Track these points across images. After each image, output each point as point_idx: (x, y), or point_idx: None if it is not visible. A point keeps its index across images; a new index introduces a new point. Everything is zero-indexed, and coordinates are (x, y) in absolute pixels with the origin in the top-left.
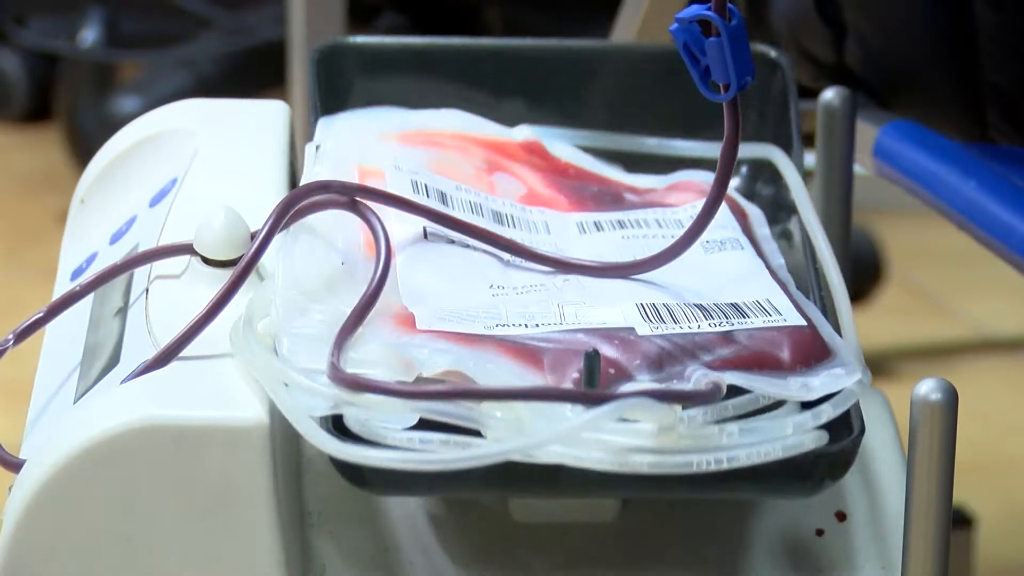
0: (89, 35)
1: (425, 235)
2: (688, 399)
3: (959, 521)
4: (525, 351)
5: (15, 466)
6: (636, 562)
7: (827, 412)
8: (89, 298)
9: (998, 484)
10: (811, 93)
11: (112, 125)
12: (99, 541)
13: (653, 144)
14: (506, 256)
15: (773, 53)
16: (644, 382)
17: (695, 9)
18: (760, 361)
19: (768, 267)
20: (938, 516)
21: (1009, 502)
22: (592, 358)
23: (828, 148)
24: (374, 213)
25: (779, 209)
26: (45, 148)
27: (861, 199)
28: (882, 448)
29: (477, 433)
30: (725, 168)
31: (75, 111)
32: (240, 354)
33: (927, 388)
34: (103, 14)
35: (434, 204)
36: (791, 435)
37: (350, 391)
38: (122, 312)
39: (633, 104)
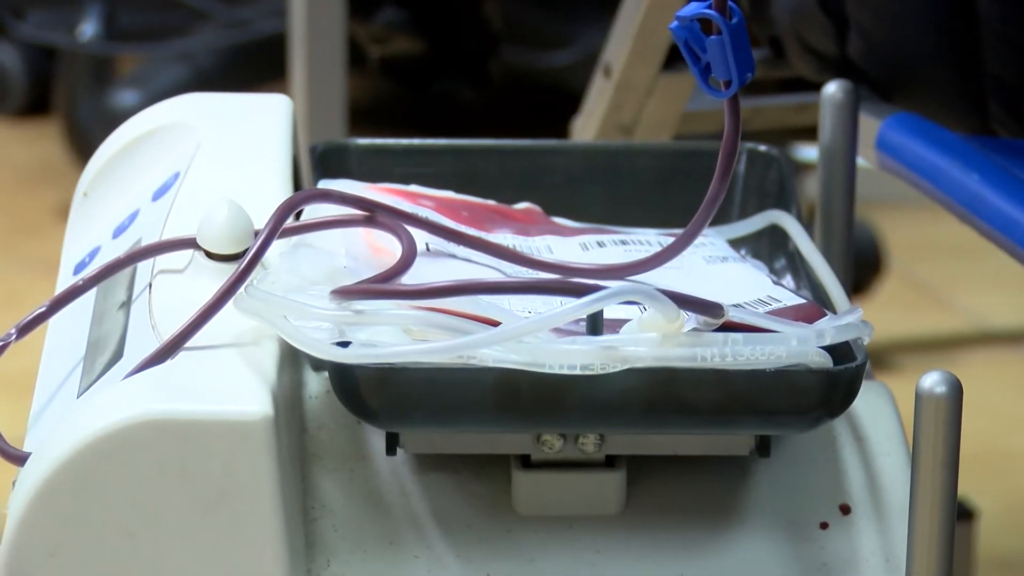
0: (87, 28)
1: (428, 249)
2: (693, 305)
3: (960, 514)
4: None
5: (19, 459)
6: (640, 555)
7: (830, 333)
8: (92, 292)
9: (998, 477)
10: (814, 86)
11: (110, 118)
12: (103, 535)
13: (652, 235)
14: (509, 269)
15: (763, 148)
16: None
17: (696, 7)
18: (763, 324)
19: (769, 275)
20: (943, 509)
21: (1009, 495)
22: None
23: (830, 141)
24: (397, 222)
25: (783, 273)
26: (43, 141)
27: (860, 192)
28: (886, 440)
29: None
30: (726, 164)
31: (73, 104)
32: (242, 305)
33: (932, 381)
34: (101, 7)
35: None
36: (795, 346)
37: (352, 299)
38: (125, 306)
39: (630, 200)
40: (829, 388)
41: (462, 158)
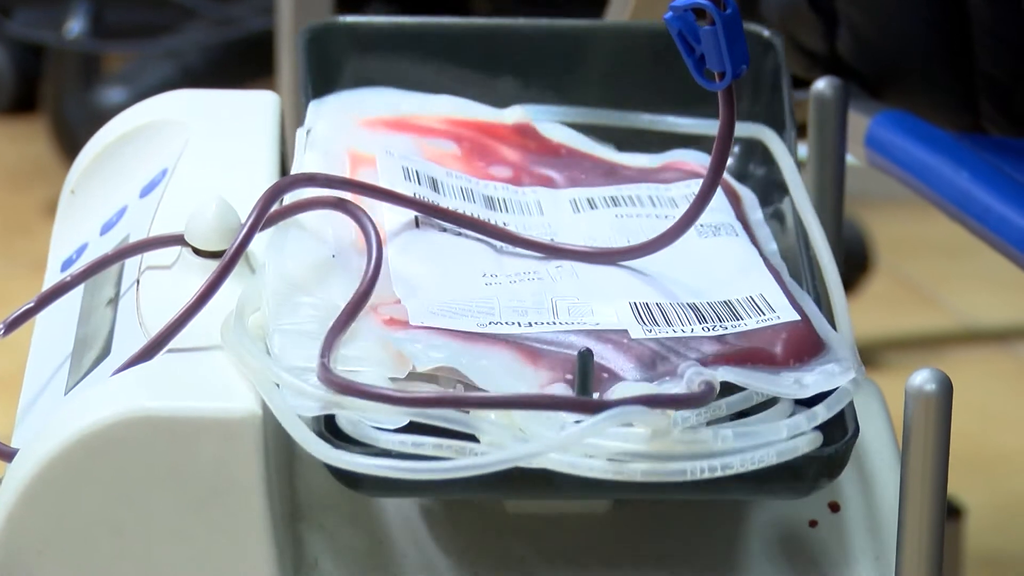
0: (75, 26)
1: (417, 223)
2: (681, 403)
3: (948, 512)
4: (519, 347)
5: (7, 456)
6: (629, 553)
7: (821, 414)
8: (80, 289)
9: (985, 475)
10: (803, 83)
11: (98, 116)
12: (91, 532)
13: (646, 120)
14: (499, 243)
15: (766, 33)
16: (636, 382)
17: None
18: (753, 356)
19: (762, 255)
20: (932, 507)
21: (996, 493)
22: (585, 357)
23: (820, 138)
24: (364, 213)
25: (771, 190)
26: (31, 139)
27: (848, 189)
28: (875, 439)
29: (470, 436)
30: (720, 156)
31: (61, 102)
32: (231, 350)
33: (921, 379)
34: (89, 5)
35: (425, 191)
36: (785, 438)
37: (340, 394)
38: (113, 303)
39: (625, 82)
40: (822, 465)
41: (456, 38)
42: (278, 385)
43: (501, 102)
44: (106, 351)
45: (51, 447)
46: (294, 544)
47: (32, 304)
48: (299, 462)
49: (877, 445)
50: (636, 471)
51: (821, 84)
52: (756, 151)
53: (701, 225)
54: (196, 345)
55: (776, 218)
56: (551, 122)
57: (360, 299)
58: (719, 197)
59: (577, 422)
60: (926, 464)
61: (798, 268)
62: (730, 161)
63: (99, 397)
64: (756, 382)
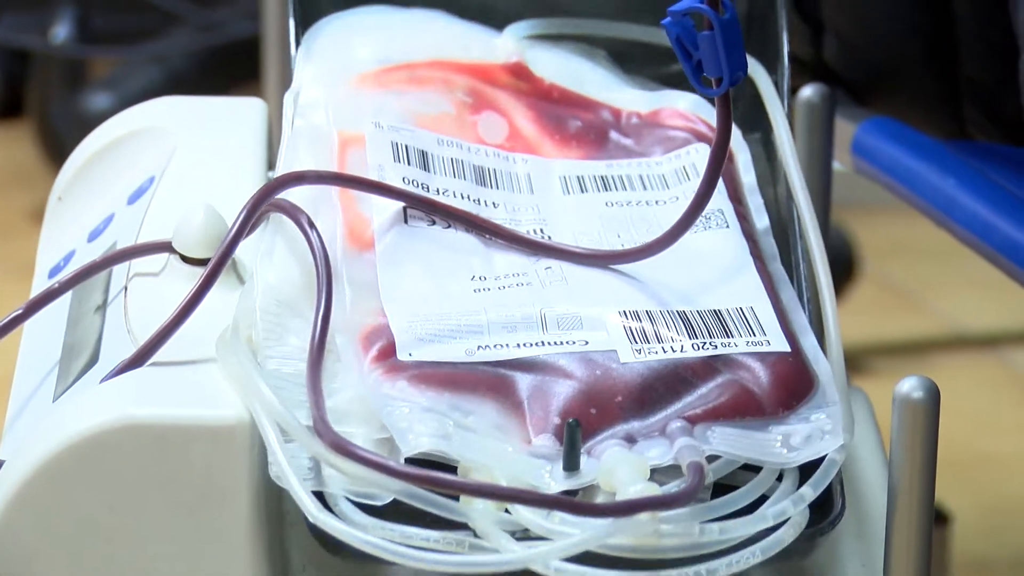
0: (61, 31)
1: (406, 218)
2: (672, 504)
3: (936, 518)
4: (507, 396)
5: None
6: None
7: (808, 495)
8: (67, 296)
9: (972, 481)
10: (790, 90)
11: (84, 121)
12: (80, 539)
13: (640, 32)
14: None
15: None
16: (624, 449)
17: (688, 2)
18: (742, 407)
19: (751, 249)
20: (920, 514)
21: (983, 498)
22: (573, 429)
23: (807, 145)
24: (305, 226)
25: (762, 114)
26: (16, 144)
27: (834, 195)
28: (863, 446)
29: (463, 526)
30: (715, 162)
31: (47, 107)
32: (229, 372)
33: (909, 386)
34: (75, 10)
35: (415, 172)
36: (771, 524)
37: (334, 453)
38: (101, 310)
39: None
40: (805, 549)
41: None
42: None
43: (495, 17)
44: (94, 358)
45: (40, 454)
46: (282, 550)
47: (20, 311)
48: None
49: (864, 452)
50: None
51: (808, 91)
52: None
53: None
54: (184, 352)
55: (763, 144)
56: (545, 51)
57: (317, 350)
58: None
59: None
60: (913, 471)
61: (785, 246)
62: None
63: (88, 404)
64: (745, 451)
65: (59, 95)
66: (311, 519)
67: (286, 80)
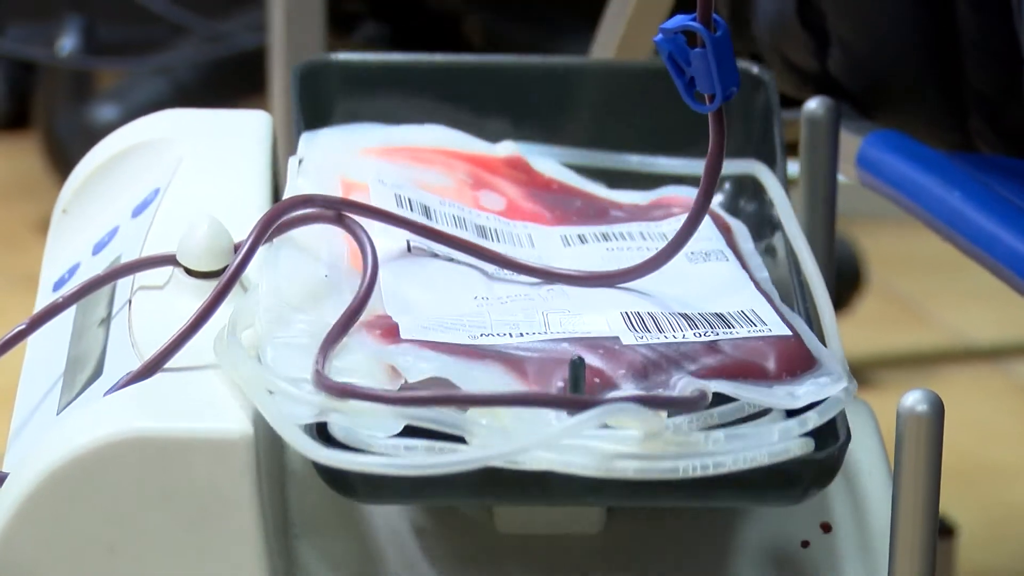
0: (67, 43)
1: (409, 249)
2: (673, 405)
3: (940, 530)
4: (510, 359)
5: None
6: (621, 574)
7: (813, 419)
8: (72, 309)
9: (977, 492)
10: (795, 103)
11: (90, 133)
12: (84, 554)
13: (636, 161)
14: (490, 269)
15: (755, 69)
16: (629, 390)
17: (680, 20)
18: (745, 370)
19: (752, 279)
20: (925, 527)
21: (989, 509)
22: (577, 366)
23: (812, 158)
24: (359, 225)
25: (763, 224)
26: (22, 156)
27: (839, 207)
28: (867, 458)
29: (463, 440)
30: (710, 178)
31: (53, 119)
32: (224, 362)
33: (913, 399)
34: (81, 22)
35: (418, 218)
36: (777, 441)
37: (335, 398)
38: (105, 323)
39: (615, 121)
40: (813, 471)
41: (449, 76)
42: (271, 394)
43: (492, 139)
44: (98, 371)
45: (43, 467)
46: (287, 563)
47: (24, 326)
48: (292, 480)
49: (868, 465)
50: (627, 469)
51: (813, 104)
52: (747, 187)
53: (691, 252)
54: (188, 366)
55: (768, 252)
56: (542, 157)
57: (355, 310)
58: (710, 227)
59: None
60: (918, 485)
61: (789, 295)
62: (721, 197)
63: (91, 417)
64: (748, 393)
65: (65, 107)
66: (307, 454)
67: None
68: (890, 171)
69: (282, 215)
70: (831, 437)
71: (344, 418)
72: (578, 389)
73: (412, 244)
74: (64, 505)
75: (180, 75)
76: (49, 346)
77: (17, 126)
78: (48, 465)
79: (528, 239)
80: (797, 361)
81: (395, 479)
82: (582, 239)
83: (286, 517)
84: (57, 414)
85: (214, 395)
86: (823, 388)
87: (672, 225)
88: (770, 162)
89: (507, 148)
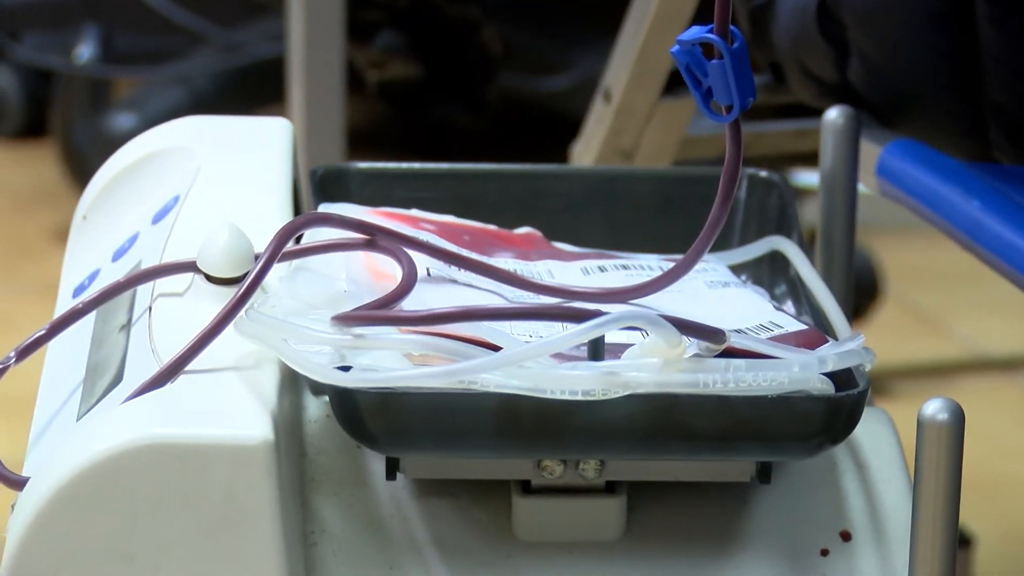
0: (84, 51)
1: (428, 274)
2: (695, 330)
3: (959, 541)
4: None
5: (18, 484)
6: None
7: (832, 360)
8: (92, 315)
9: (994, 504)
10: (814, 112)
11: (107, 141)
12: (102, 559)
13: (654, 260)
14: (510, 293)
15: (763, 174)
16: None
17: (697, 31)
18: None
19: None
20: (944, 536)
21: (1004, 522)
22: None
23: (831, 167)
24: (398, 245)
25: (783, 301)
26: (40, 164)
27: (858, 217)
28: (886, 467)
29: None
30: (727, 189)
31: (70, 127)
32: (243, 326)
33: (934, 408)
34: (99, 30)
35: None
36: (798, 372)
37: (353, 325)
38: (125, 329)
39: (631, 225)
40: (831, 414)
41: (462, 182)
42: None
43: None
44: (118, 378)
45: (63, 473)
46: (306, 570)
47: (44, 331)
48: (310, 487)
49: (888, 474)
50: (648, 382)
51: (833, 113)
52: (764, 267)
53: (711, 281)
54: (208, 372)
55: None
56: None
57: (402, 292)
58: (727, 271)
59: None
60: (938, 493)
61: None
62: (741, 277)
63: (111, 424)
64: (769, 350)
65: (83, 115)
66: (326, 379)
67: (310, 99)
68: (909, 181)
69: (301, 228)
70: (850, 387)
71: (364, 356)
72: (598, 346)
73: (431, 270)
74: (83, 511)
75: (198, 84)
76: (69, 352)
77: (34, 135)
78: (67, 471)
79: (548, 273)
80: (814, 343)
81: (416, 426)
82: (602, 269)
83: (305, 524)
84: (77, 420)
85: (234, 401)
86: (839, 346)
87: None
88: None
89: (521, 229)
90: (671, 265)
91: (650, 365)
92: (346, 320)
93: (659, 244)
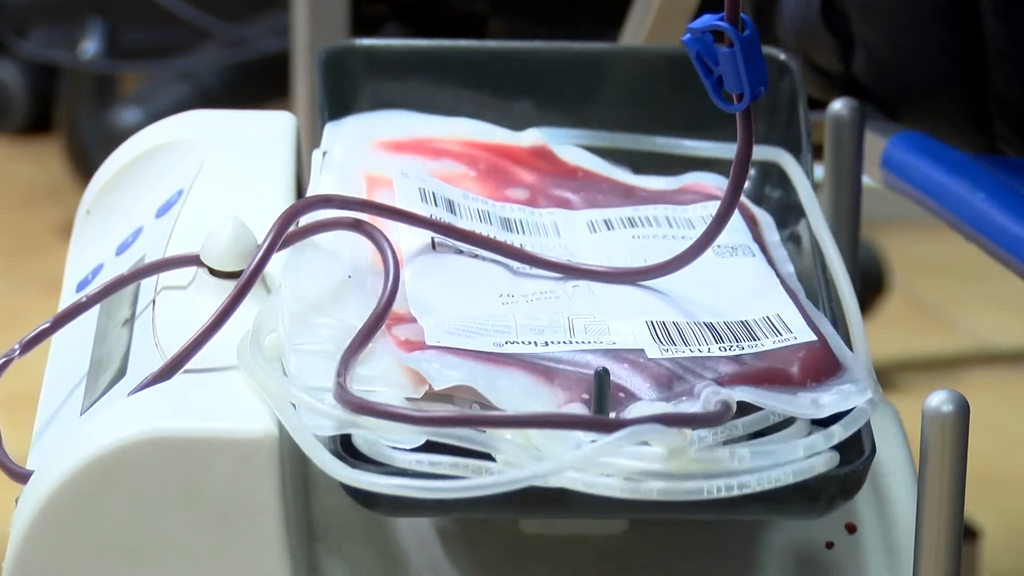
0: (90, 46)
1: (433, 245)
2: (698, 422)
3: (964, 534)
4: (536, 367)
5: (22, 477)
6: (645, 574)
7: (838, 433)
8: (95, 309)
9: (1000, 497)
10: (819, 104)
11: (112, 136)
12: (106, 554)
13: (662, 144)
14: (515, 264)
15: (782, 56)
16: (653, 401)
17: (708, 19)
18: (770, 377)
19: (779, 276)
20: (950, 528)
21: (1011, 515)
22: (602, 377)
23: (837, 159)
24: (381, 233)
25: (788, 212)
26: (45, 159)
27: (863, 211)
28: (892, 460)
29: (487, 455)
30: (738, 177)
31: (75, 122)
32: (247, 370)
33: (939, 400)
34: (104, 25)
35: (442, 213)
36: (802, 457)
37: (356, 414)
38: (129, 323)
39: (641, 105)
40: (837, 487)
41: (471, 61)
42: (294, 406)
43: (517, 125)
44: (122, 372)
45: (67, 468)
46: (310, 565)
47: (48, 324)
48: (315, 482)
49: (894, 466)
50: (652, 490)
51: (837, 105)
52: (772, 174)
53: (718, 246)
54: (212, 366)
55: (793, 240)
56: (567, 145)
57: (377, 319)
58: (736, 219)
59: (593, 441)
60: (943, 485)
61: (814, 289)
62: (746, 184)
63: (115, 418)
64: (773, 402)
65: (88, 110)
66: (330, 473)
67: (313, 95)
68: (915, 173)
69: (300, 214)
70: (855, 450)
71: (366, 432)
72: (603, 402)
73: (436, 241)
74: (87, 505)
75: (203, 79)
76: (73, 347)
77: (40, 130)
78: (71, 466)
79: (553, 227)
80: (823, 366)
81: (421, 503)
82: (608, 224)
83: (309, 519)
84: (80, 415)
85: (237, 395)
86: (848, 397)
87: (698, 211)
88: (795, 149)
89: (532, 137)
90: (676, 211)
91: (655, 455)
92: (350, 404)
93: (671, 125)
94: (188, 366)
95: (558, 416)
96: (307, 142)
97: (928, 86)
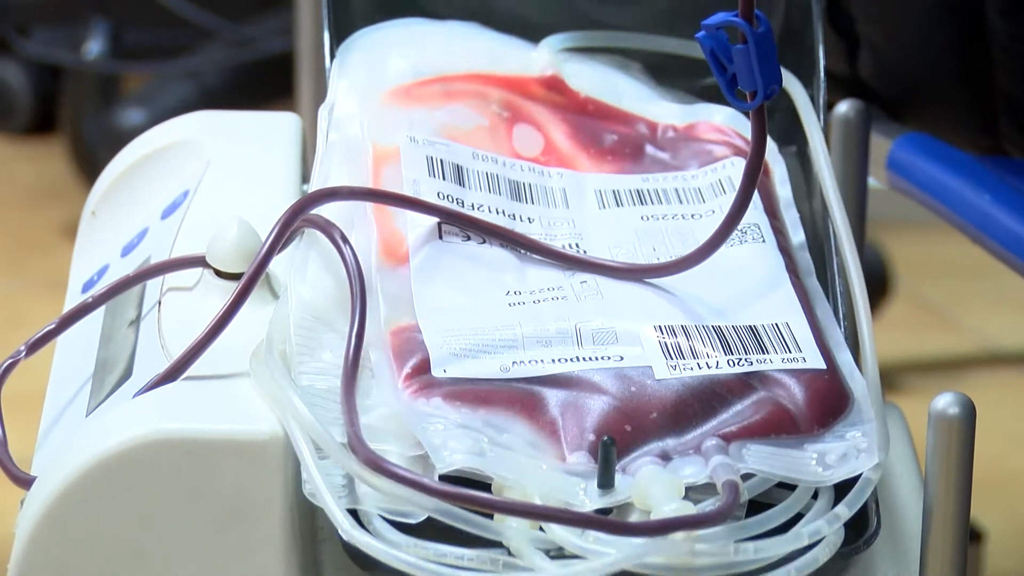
0: (93, 46)
1: (440, 233)
2: (708, 522)
3: (969, 535)
4: (543, 415)
5: (25, 483)
6: None
7: (843, 515)
8: (101, 310)
9: (1004, 499)
10: (826, 105)
11: (116, 137)
12: (111, 555)
13: (674, 44)
14: (523, 249)
15: None
16: (658, 465)
17: (722, 16)
18: (776, 424)
19: (787, 264)
20: (955, 530)
21: (1016, 516)
22: (607, 447)
23: (842, 161)
24: (341, 243)
25: (798, 127)
26: (49, 160)
27: (868, 211)
28: (898, 462)
29: (497, 543)
30: (750, 177)
31: (79, 122)
32: (264, 388)
33: (944, 402)
34: (107, 25)
35: (449, 186)
36: (806, 542)
37: (368, 470)
38: (134, 324)
39: (654, 5)
40: (841, 567)
41: None
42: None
43: (530, 26)
44: (127, 373)
45: (72, 469)
46: (315, 566)
47: (53, 326)
48: None
49: (899, 468)
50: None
51: (843, 107)
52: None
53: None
54: (217, 367)
55: (799, 158)
56: (580, 64)
57: (353, 364)
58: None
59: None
60: (949, 487)
61: (821, 260)
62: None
63: (120, 419)
64: (780, 470)
65: (92, 110)
66: (345, 536)
67: (320, 95)
68: (920, 174)
69: (307, 209)
70: (860, 521)
71: (374, 492)
72: (608, 470)
73: (443, 226)
74: (92, 506)
75: (207, 79)
76: (78, 348)
77: (43, 130)
78: (77, 467)
79: (562, 194)
80: (829, 403)
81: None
82: (617, 198)
83: (314, 520)
84: (86, 416)
85: (243, 397)
86: (855, 460)
87: (708, 179)
88: (808, 73)
89: (543, 58)
90: (687, 181)
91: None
92: (365, 459)
93: (684, 25)
94: (193, 367)
95: (568, 513)
96: (311, 143)
97: (933, 85)
